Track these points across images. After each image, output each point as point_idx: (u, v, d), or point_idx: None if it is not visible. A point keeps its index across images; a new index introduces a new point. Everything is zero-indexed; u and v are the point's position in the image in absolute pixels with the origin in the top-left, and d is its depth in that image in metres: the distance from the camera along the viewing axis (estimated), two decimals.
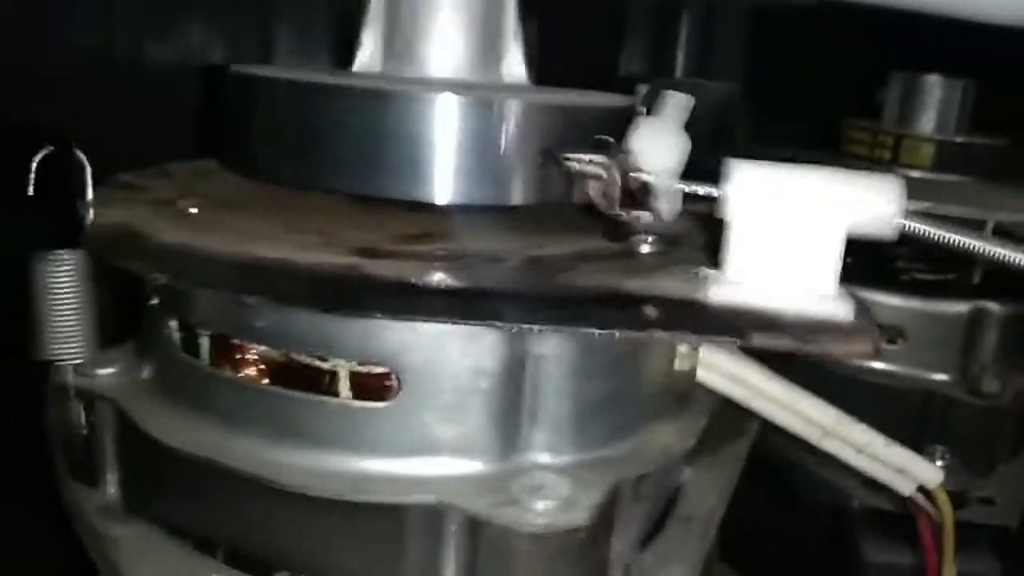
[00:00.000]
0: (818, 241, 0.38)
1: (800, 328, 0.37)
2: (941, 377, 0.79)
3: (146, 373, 0.48)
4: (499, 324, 0.37)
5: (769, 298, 0.38)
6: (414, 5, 0.53)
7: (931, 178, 0.89)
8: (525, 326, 0.37)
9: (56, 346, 0.48)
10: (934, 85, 0.91)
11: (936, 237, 0.39)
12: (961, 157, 0.89)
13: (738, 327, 0.38)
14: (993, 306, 0.78)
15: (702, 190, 0.39)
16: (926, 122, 0.91)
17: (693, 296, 0.39)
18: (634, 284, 0.39)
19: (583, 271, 0.40)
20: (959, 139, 0.90)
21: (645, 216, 0.39)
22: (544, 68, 0.59)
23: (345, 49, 0.54)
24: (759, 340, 0.37)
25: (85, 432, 0.48)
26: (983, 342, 0.78)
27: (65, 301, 0.47)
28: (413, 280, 0.38)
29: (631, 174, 0.39)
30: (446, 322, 0.38)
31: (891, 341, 0.79)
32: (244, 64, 0.54)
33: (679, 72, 1.07)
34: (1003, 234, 0.76)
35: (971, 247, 0.40)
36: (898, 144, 0.90)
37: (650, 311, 0.37)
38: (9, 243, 0.49)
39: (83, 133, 0.46)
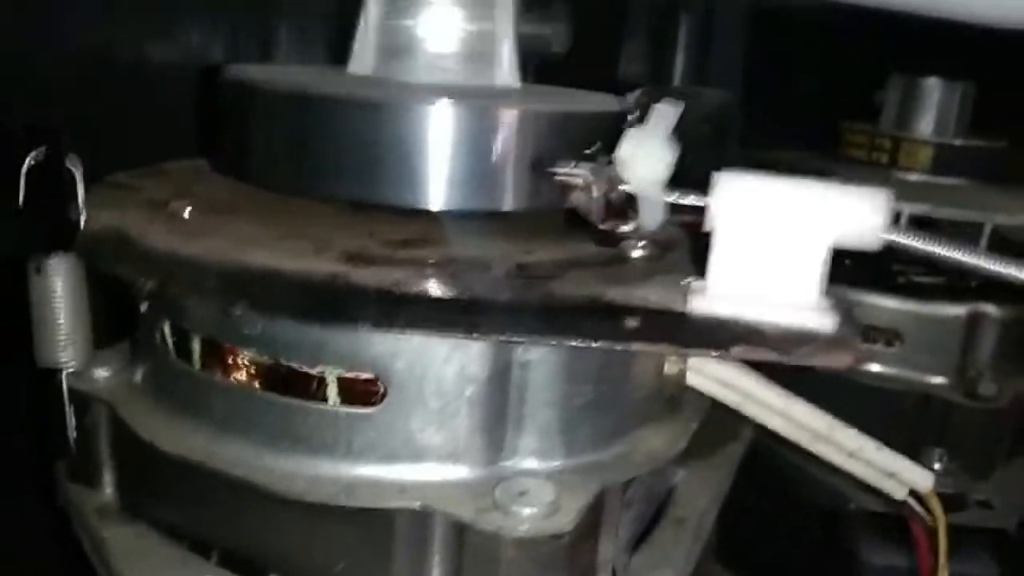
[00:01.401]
0: (803, 252, 0.38)
1: (782, 340, 0.38)
2: (938, 380, 0.79)
3: (139, 376, 0.49)
4: (479, 336, 0.38)
5: (752, 309, 0.38)
6: (409, 6, 0.53)
7: (929, 181, 0.88)
8: (505, 337, 0.37)
9: (57, 352, 0.48)
10: (933, 87, 0.90)
11: (923, 249, 0.39)
12: (960, 160, 0.89)
13: (719, 339, 0.38)
14: (990, 309, 0.77)
15: (688, 200, 0.39)
16: (925, 124, 0.91)
17: (676, 307, 0.39)
18: (617, 294, 0.40)
19: (569, 279, 0.41)
20: (958, 142, 0.90)
21: (630, 224, 0.39)
22: (543, 71, 0.59)
23: (344, 48, 0.54)
24: (740, 352, 0.37)
25: (81, 434, 0.49)
26: (980, 345, 0.78)
27: (62, 306, 0.47)
28: (397, 289, 0.38)
29: (615, 183, 0.39)
30: (427, 333, 0.38)
31: (888, 344, 0.79)
32: (242, 63, 0.54)
33: (678, 75, 1.07)
34: (1000, 239, 0.76)
35: (958, 259, 0.40)
36: (896, 146, 0.90)
37: (632, 323, 0.38)
38: (3, 244, 0.49)
39: (83, 133, 0.47)
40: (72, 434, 0.49)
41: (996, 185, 0.87)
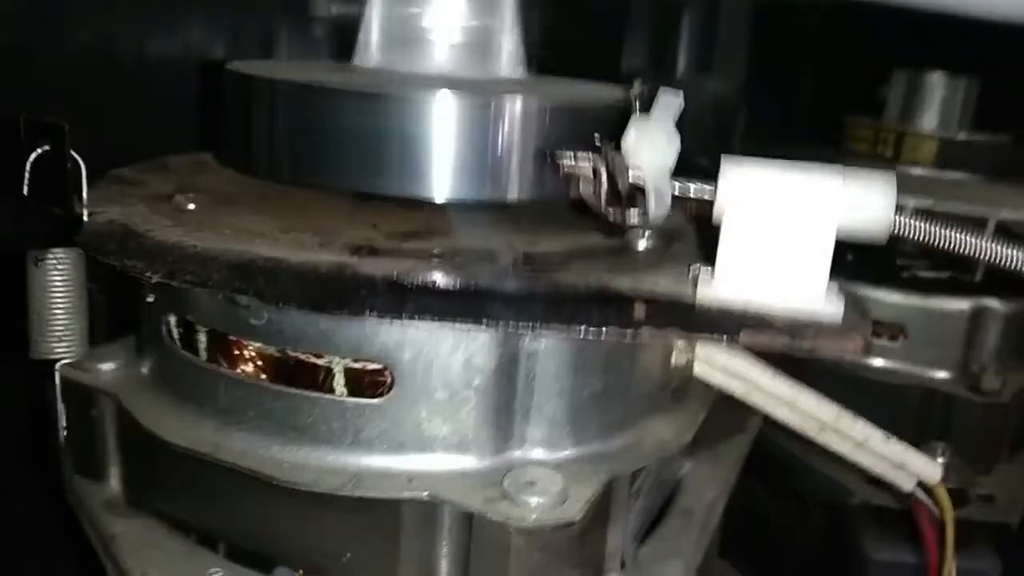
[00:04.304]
0: (811, 238, 0.38)
1: (790, 326, 0.38)
2: (942, 374, 0.79)
3: (145, 369, 0.49)
4: (488, 323, 0.37)
5: (760, 296, 0.38)
6: None
7: (933, 175, 0.88)
8: (513, 324, 0.37)
9: (51, 344, 0.48)
10: (937, 82, 0.90)
11: (930, 235, 0.39)
12: (963, 154, 0.89)
13: (728, 325, 0.38)
14: (994, 303, 0.78)
15: (694, 188, 0.39)
16: (928, 119, 0.91)
17: (684, 294, 0.39)
18: (625, 282, 0.40)
19: (576, 269, 0.41)
20: (961, 136, 0.90)
21: (636, 213, 0.39)
22: (546, 63, 0.59)
23: (344, 46, 0.54)
24: (748, 338, 0.37)
25: (87, 427, 0.49)
26: (984, 339, 0.78)
27: (59, 299, 0.47)
28: (404, 279, 0.38)
29: (621, 172, 0.39)
30: (435, 320, 0.38)
31: (892, 338, 0.79)
32: (244, 59, 0.54)
33: (681, 68, 1.07)
34: (1003, 232, 0.76)
35: (965, 245, 0.39)
36: (900, 141, 0.90)
37: (640, 310, 0.38)
38: (6, 237, 0.49)
39: (85, 128, 0.46)
40: (63, 426, 0.49)
41: (1000, 180, 0.87)
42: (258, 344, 0.43)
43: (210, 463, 0.42)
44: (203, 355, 0.45)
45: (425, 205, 0.46)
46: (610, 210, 0.40)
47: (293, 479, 0.41)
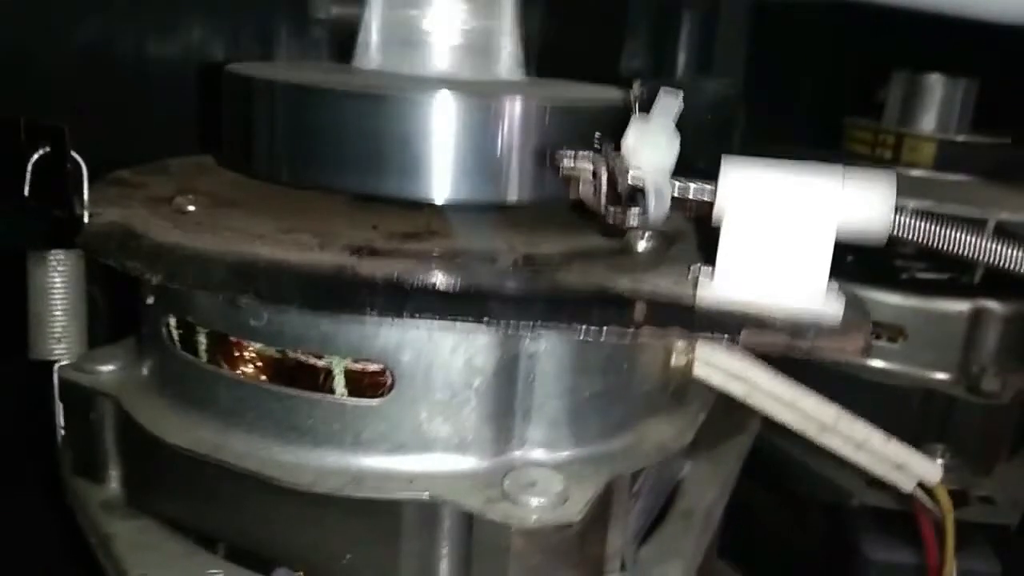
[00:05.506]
0: (810, 239, 0.38)
1: (791, 326, 0.38)
2: (941, 376, 0.79)
3: (145, 370, 0.49)
4: (488, 322, 0.37)
5: (760, 296, 0.38)
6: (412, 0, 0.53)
7: (932, 177, 0.88)
8: (514, 323, 0.37)
9: (50, 345, 0.48)
10: (936, 84, 0.91)
11: (929, 235, 0.39)
12: (962, 156, 0.89)
13: (728, 325, 0.38)
14: (994, 305, 0.78)
15: (694, 189, 0.39)
16: (927, 121, 0.91)
17: (684, 295, 0.39)
18: (625, 283, 0.40)
19: (576, 269, 0.41)
20: (960, 138, 0.90)
21: (636, 214, 0.39)
22: (545, 64, 0.59)
23: (344, 47, 0.55)
24: (749, 338, 0.37)
25: (87, 429, 0.49)
26: (983, 341, 0.78)
27: (59, 301, 0.47)
28: (404, 279, 0.38)
29: (621, 173, 0.39)
30: (435, 319, 0.38)
31: (892, 339, 0.79)
32: (244, 60, 0.54)
33: (680, 70, 1.07)
34: (1004, 233, 0.76)
35: (965, 245, 0.40)
36: (899, 143, 0.90)
37: (640, 310, 0.38)
38: (6, 239, 0.49)
39: (84, 131, 0.46)
40: (60, 426, 0.49)
41: (999, 181, 0.87)
42: (258, 345, 0.43)
43: (211, 464, 0.42)
44: (203, 356, 0.45)
45: (425, 206, 0.46)
46: (610, 210, 0.40)
47: (293, 480, 0.41)
